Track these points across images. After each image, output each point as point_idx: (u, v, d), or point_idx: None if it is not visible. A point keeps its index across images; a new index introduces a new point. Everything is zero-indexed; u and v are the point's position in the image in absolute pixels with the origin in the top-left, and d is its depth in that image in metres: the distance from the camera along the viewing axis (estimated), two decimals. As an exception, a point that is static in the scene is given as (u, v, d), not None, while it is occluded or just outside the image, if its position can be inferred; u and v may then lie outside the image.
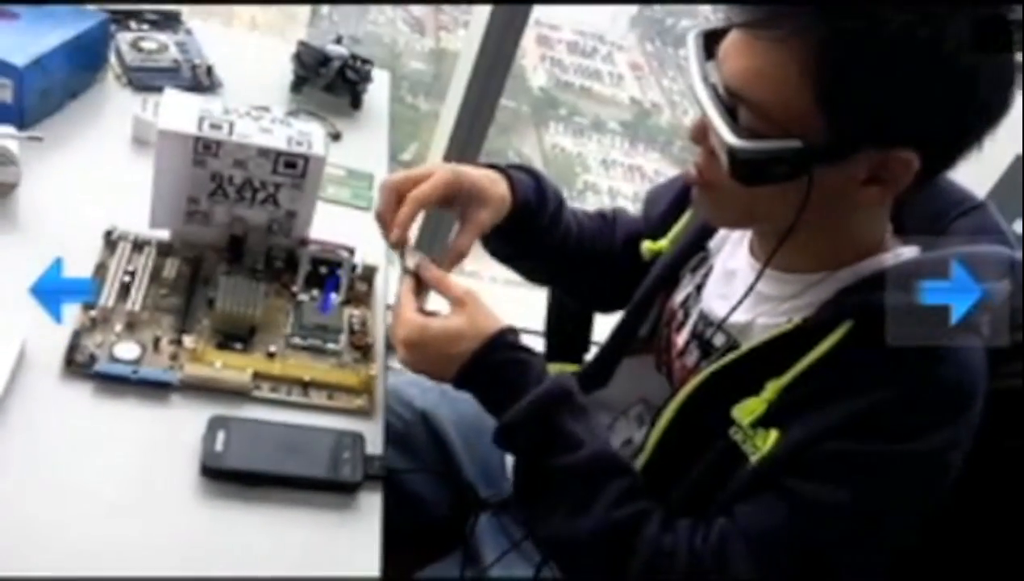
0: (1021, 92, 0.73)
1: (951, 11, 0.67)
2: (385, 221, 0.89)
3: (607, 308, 1.17)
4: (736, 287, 0.89)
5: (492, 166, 0.96)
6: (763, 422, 0.78)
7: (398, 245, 0.88)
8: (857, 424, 0.75)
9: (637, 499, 0.81)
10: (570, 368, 1.13)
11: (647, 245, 1.03)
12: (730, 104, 0.74)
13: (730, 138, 0.73)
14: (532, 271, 1.11)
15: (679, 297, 0.97)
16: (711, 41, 0.77)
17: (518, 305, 2.03)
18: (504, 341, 0.83)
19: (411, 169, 0.91)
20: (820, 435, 0.75)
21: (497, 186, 0.93)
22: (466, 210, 0.92)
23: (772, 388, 0.78)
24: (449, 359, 0.83)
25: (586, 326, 1.25)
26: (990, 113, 0.72)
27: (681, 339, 0.94)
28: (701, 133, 0.78)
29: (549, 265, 1.08)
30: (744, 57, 0.73)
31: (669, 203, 1.05)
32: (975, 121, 0.73)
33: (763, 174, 0.74)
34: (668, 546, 0.78)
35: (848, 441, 0.75)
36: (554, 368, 1.13)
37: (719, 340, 0.88)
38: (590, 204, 2.16)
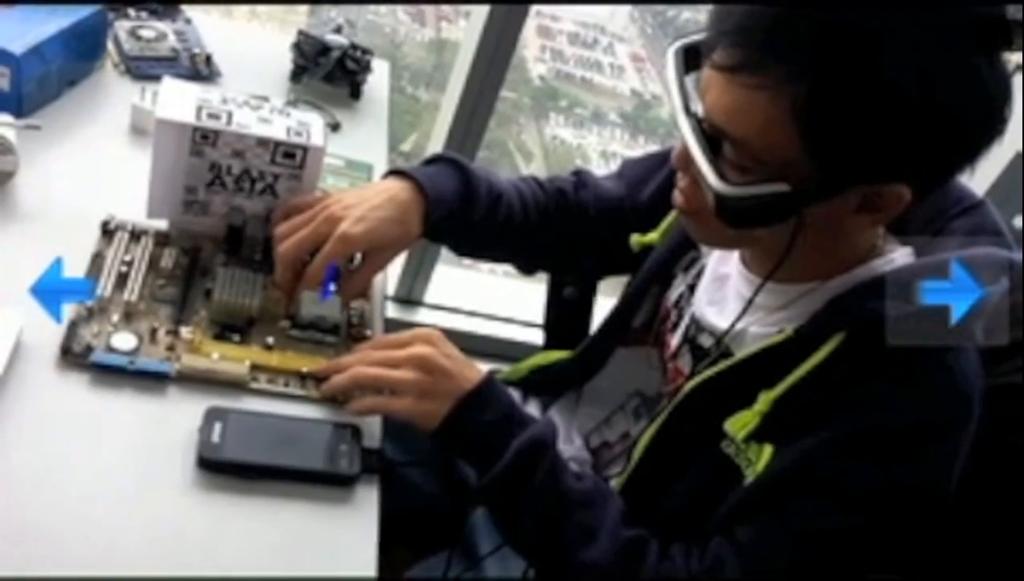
0: (1021, 89, 0.73)
1: (935, 58, 0.66)
2: (286, 294, 0.92)
3: (587, 270, 1.16)
4: (726, 293, 0.88)
5: (410, 177, 0.93)
6: (756, 436, 0.78)
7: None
8: (854, 444, 0.74)
9: (633, 525, 0.82)
10: (563, 355, 1.13)
11: (636, 238, 1.02)
12: (713, 135, 0.72)
13: (716, 183, 0.71)
14: (479, 256, 1.10)
15: (673, 295, 0.97)
16: (694, 52, 0.75)
17: (517, 297, 2.04)
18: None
19: (303, 217, 0.90)
20: (816, 454, 0.75)
21: (403, 228, 0.92)
22: (366, 254, 0.93)
23: (765, 400, 0.77)
24: (466, 366, 0.85)
25: (585, 317, 1.24)
26: (980, 145, 0.71)
27: (674, 341, 0.94)
28: (685, 161, 0.76)
29: (496, 250, 1.06)
30: (726, 95, 0.70)
31: (658, 189, 1.03)
32: (965, 155, 0.71)
33: (750, 218, 0.73)
34: (667, 573, 0.78)
35: (845, 462, 0.74)
36: (551, 356, 1.14)
37: (710, 346, 0.88)
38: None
